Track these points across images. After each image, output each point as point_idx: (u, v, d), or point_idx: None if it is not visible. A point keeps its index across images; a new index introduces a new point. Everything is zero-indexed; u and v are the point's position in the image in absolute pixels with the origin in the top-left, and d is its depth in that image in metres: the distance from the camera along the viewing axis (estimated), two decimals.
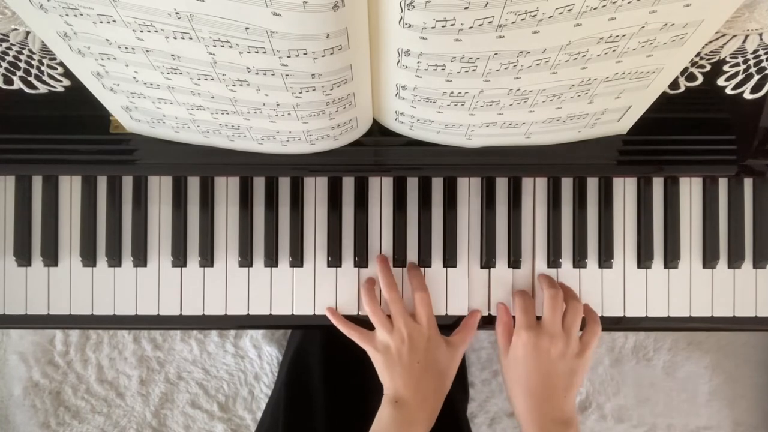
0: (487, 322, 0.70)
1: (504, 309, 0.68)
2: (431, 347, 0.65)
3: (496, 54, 0.46)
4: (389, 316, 0.66)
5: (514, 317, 0.68)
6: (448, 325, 0.71)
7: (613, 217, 0.70)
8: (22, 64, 0.60)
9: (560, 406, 0.61)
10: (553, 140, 0.64)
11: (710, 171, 0.69)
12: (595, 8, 0.41)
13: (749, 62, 0.58)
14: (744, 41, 0.55)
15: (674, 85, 0.60)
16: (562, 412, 0.61)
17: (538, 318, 0.65)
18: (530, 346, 0.63)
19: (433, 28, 0.43)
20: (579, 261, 0.69)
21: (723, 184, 0.70)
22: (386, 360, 0.64)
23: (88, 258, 0.69)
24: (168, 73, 0.50)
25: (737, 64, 0.59)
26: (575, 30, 0.43)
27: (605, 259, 0.69)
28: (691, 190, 0.70)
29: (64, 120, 0.66)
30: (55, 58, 0.60)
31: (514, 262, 0.69)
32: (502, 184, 0.70)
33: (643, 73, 0.52)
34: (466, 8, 0.40)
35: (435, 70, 0.49)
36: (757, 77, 0.59)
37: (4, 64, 0.59)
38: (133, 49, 0.47)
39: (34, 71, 0.60)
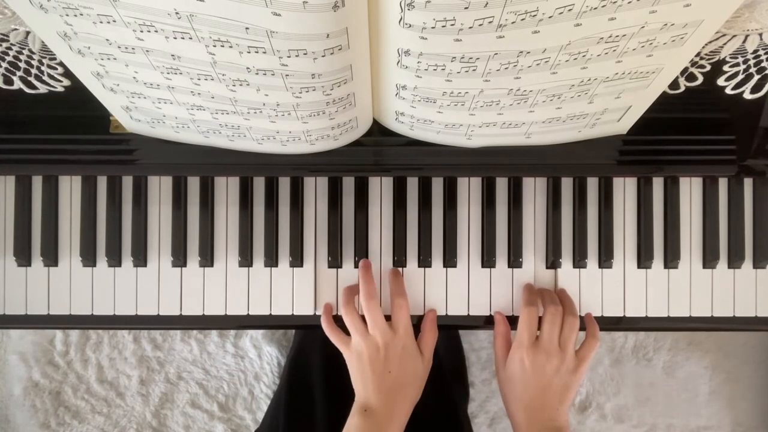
0: (489, 322, 0.70)
1: (501, 319, 0.69)
2: (405, 356, 0.64)
3: (496, 54, 0.46)
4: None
5: (510, 317, 0.68)
6: (448, 326, 0.71)
7: (613, 217, 0.70)
8: (22, 64, 0.60)
9: (553, 416, 0.63)
10: (553, 140, 0.64)
11: (710, 171, 0.69)
12: (595, 8, 0.41)
13: (749, 62, 0.58)
14: (744, 41, 0.55)
15: (674, 85, 0.60)
16: (555, 421, 0.63)
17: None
18: (527, 364, 0.64)
19: (433, 28, 0.43)
20: (579, 261, 0.69)
21: (723, 184, 0.70)
22: (359, 366, 0.64)
23: (88, 258, 0.69)
24: (168, 73, 0.50)
25: (737, 64, 0.59)
26: (575, 30, 0.43)
27: (605, 259, 0.69)
28: (691, 190, 0.70)
29: (64, 120, 0.66)
30: (55, 58, 0.60)
31: (514, 262, 0.69)
32: (502, 184, 0.70)
33: (643, 73, 0.52)
34: (466, 8, 0.40)
35: (435, 70, 0.49)
36: (757, 77, 0.59)
37: (4, 64, 0.59)
38: (133, 49, 0.47)
39: (34, 71, 0.60)
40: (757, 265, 0.70)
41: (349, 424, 0.63)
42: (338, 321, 0.68)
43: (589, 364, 0.66)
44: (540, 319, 0.66)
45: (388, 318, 0.66)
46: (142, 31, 0.44)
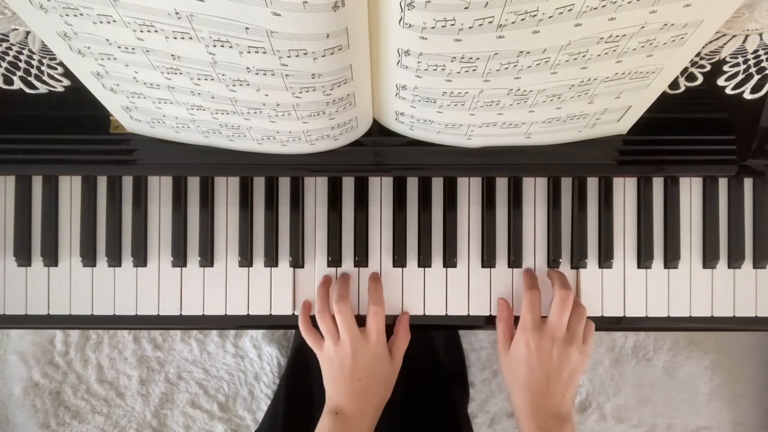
0: (489, 322, 0.70)
1: (505, 305, 0.68)
2: (376, 364, 0.65)
3: (496, 54, 0.46)
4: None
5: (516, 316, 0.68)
6: (448, 326, 0.71)
7: (613, 217, 0.70)
8: (22, 64, 0.59)
9: (558, 403, 0.62)
10: (553, 140, 0.64)
11: (710, 171, 0.69)
12: (595, 8, 0.41)
13: (749, 62, 0.58)
14: (744, 41, 0.55)
15: (674, 85, 0.60)
16: (560, 408, 0.62)
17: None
18: (533, 347, 0.63)
19: (433, 28, 0.43)
20: (579, 261, 0.69)
21: (723, 184, 0.70)
22: (330, 371, 0.65)
23: (88, 258, 0.69)
24: (168, 73, 0.50)
25: (737, 64, 0.59)
26: (575, 30, 0.43)
27: (605, 259, 0.69)
28: (691, 190, 0.70)
29: (64, 120, 0.66)
30: (55, 58, 0.60)
31: (514, 262, 0.69)
32: (502, 184, 0.70)
33: (643, 73, 0.52)
34: (466, 8, 0.40)
35: (435, 70, 0.49)
36: (757, 77, 0.59)
37: (4, 64, 0.59)
38: (133, 49, 0.47)
39: (34, 71, 0.60)
40: (757, 265, 0.69)
41: (321, 425, 0.64)
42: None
43: (591, 346, 0.65)
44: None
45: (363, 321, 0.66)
46: (142, 31, 0.44)
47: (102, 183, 0.70)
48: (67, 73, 0.60)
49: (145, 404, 1.34)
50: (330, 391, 0.65)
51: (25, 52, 0.59)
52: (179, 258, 0.69)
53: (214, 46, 0.45)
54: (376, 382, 0.65)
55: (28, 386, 1.32)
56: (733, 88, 0.60)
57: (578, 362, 0.63)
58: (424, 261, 0.69)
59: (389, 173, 0.69)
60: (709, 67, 0.59)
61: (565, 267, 0.70)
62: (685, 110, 0.65)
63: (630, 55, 0.48)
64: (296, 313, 0.69)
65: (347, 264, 0.70)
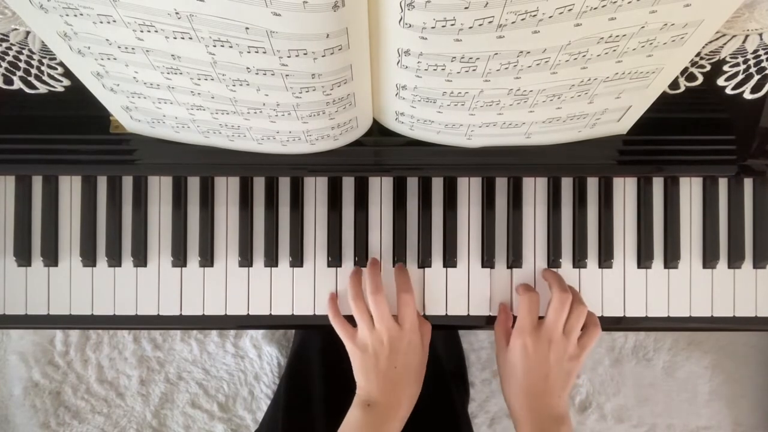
0: (489, 322, 0.70)
1: (504, 309, 0.68)
2: (410, 351, 0.64)
3: (496, 54, 0.46)
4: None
5: (514, 316, 0.68)
6: (448, 326, 0.71)
7: (613, 217, 0.70)
8: (22, 64, 0.60)
9: (555, 404, 0.62)
10: (553, 140, 0.64)
11: (710, 171, 0.69)
12: (595, 8, 0.41)
13: (749, 62, 0.58)
14: (744, 41, 0.55)
15: (674, 85, 0.60)
16: (556, 409, 0.62)
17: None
18: (529, 349, 0.63)
19: (433, 28, 0.43)
20: (579, 261, 0.69)
21: (723, 184, 0.70)
22: (363, 360, 0.64)
23: (88, 258, 0.69)
24: (168, 73, 0.50)
25: (737, 64, 0.59)
26: (575, 30, 0.43)
27: (605, 259, 0.69)
28: (691, 190, 0.70)
29: (64, 120, 0.66)
30: (55, 58, 0.60)
31: (514, 262, 0.69)
32: (502, 184, 0.70)
33: (643, 73, 0.52)
34: (466, 8, 0.40)
35: (435, 70, 0.49)
36: (757, 77, 0.59)
37: (4, 64, 0.59)
38: (133, 49, 0.47)
39: (34, 71, 0.60)
40: (757, 265, 0.69)
41: (350, 416, 0.63)
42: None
43: (590, 351, 0.65)
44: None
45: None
46: (142, 31, 0.44)
47: (102, 183, 0.70)
48: (67, 73, 0.60)
49: (145, 404, 1.34)
50: (361, 381, 0.64)
51: (25, 52, 0.59)
52: (179, 258, 0.69)
53: (214, 46, 0.45)
54: (410, 372, 0.64)
55: (28, 386, 1.32)
56: (733, 88, 0.60)
57: (572, 364, 0.63)
58: (424, 261, 0.69)
59: (389, 173, 0.69)
60: (709, 67, 0.59)
61: (565, 267, 0.70)
62: (685, 110, 0.65)
63: (630, 55, 0.48)
64: (296, 313, 0.69)
65: (347, 264, 0.70)
